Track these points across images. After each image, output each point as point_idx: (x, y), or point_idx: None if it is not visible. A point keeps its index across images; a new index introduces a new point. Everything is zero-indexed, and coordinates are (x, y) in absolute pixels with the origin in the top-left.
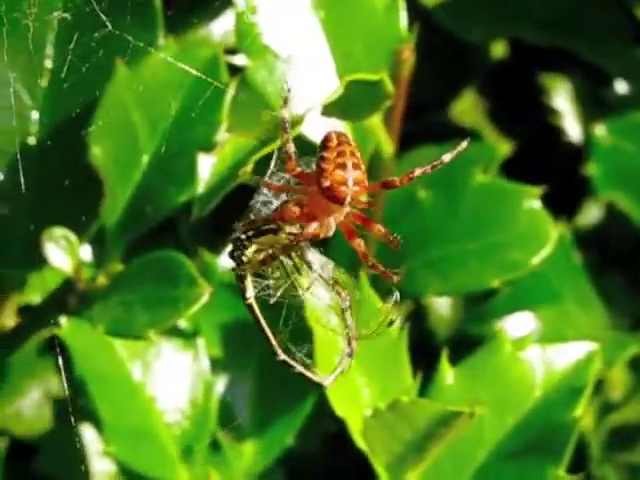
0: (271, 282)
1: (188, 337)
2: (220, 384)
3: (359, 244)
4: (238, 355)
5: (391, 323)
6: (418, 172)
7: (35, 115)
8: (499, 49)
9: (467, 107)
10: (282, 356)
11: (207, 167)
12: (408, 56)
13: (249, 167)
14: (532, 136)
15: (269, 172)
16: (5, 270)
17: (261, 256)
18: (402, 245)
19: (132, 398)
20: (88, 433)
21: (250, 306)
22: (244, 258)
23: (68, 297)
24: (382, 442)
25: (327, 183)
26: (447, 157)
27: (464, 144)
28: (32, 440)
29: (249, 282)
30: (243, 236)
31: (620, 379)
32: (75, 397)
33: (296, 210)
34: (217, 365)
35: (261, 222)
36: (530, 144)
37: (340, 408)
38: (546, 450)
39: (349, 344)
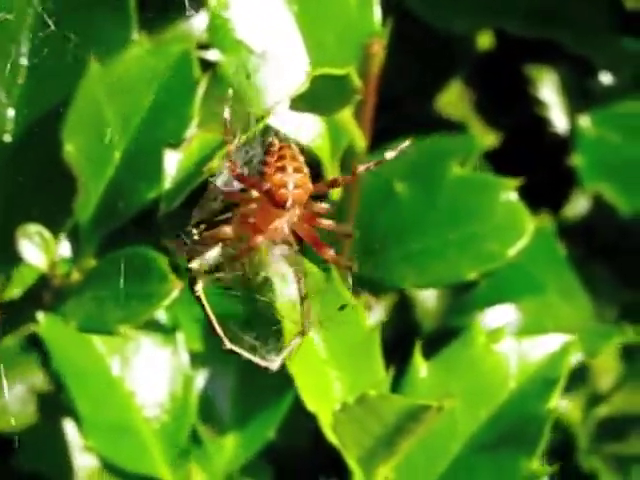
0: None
1: (167, 332)
2: (200, 378)
3: (314, 239)
4: (218, 349)
5: (343, 307)
6: (361, 169)
7: (11, 112)
8: (485, 40)
9: (453, 99)
10: (228, 345)
11: (174, 163)
12: (377, 50)
13: (215, 162)
14: (518, 127)
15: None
16: None
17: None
18: (380, 238)
19: (111, 393)
20: (70, 428)
21: (198, 298)
22: (197, 249)
23: (44, 293)
24: (352, 436)
25: (267, 186)
26: (389, 155)
27: (407, 143)
28: (11, 435)
29: (199, 274)
30: (194, 231)
31: (608, 369)
32: (59, 393)
33: (243, 220)
34: (197, 359)
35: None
36: (516, 135)
37: (311, 403)
38: (520, 442)
39: (302, 326)
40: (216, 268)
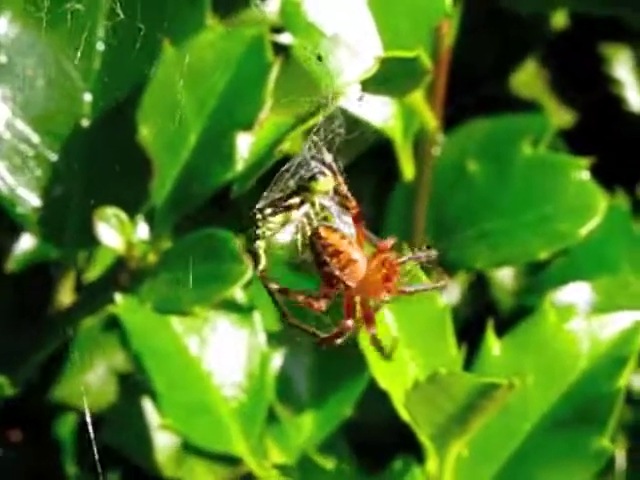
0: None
1: (245, 311)
2: (277, 357)
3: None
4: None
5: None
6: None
7: (88, 97)
8: (559, 19)
9: (528, 79)
10: (291, 319)
11: (246, 145)
12: (447, 31)
13: (286, 145)
14: (593, 106)
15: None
16: (61, 249)
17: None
18: (453, 218)
19: (189, 372)
20: (150, 407)
21: (263, 277)
22: (258, 233)
23: (120, 274)
24: (424, 414)
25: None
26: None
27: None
28: (99, 413)
29: (262, 254)
30: (259, 214)
31: None
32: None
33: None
34: (274, 339)
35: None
36: (592, 114)
37: (384, 381)
38: (591, 420)
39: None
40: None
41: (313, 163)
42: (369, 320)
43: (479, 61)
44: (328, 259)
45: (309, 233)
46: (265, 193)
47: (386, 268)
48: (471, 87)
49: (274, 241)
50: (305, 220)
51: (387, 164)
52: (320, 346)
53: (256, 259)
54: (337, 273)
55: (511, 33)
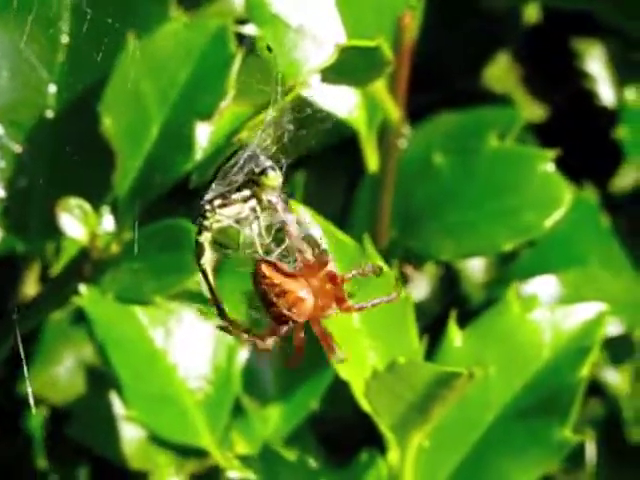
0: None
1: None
2: (243, 350)
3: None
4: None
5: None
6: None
7: (52, 89)
8: (532, 13)
9: (500, 73)
10: (223, 323)
11: (205, 135)
12: (409, 23)
13: (243, 134)
14: (565, 101)
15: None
16: (26, 241)
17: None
18: (418, 210)
19: (154, 364)
20: (117, 399)
21: (203, 272)
22: (206, 225)
23: (84, 266)
24: (384, 404)
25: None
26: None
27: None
28: (66, 407)
29: (207, 247)
30: (207, 206)
31: None
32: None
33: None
34: None
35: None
36: (563, 109)
37: (343, 371)
38: (553, 410)
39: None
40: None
41: (262, 158)
42: (330, 347)
43: (451, 55)
44: (275, 299)
45: (255, 230)
46: (213, 185)
47: (333, 288)
48: (443, 81)
49: (220, 234)
50: (251, 215)
51: (356, 157)
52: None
53: (200, 251)
54: (286, 313)
55: (484, 27)
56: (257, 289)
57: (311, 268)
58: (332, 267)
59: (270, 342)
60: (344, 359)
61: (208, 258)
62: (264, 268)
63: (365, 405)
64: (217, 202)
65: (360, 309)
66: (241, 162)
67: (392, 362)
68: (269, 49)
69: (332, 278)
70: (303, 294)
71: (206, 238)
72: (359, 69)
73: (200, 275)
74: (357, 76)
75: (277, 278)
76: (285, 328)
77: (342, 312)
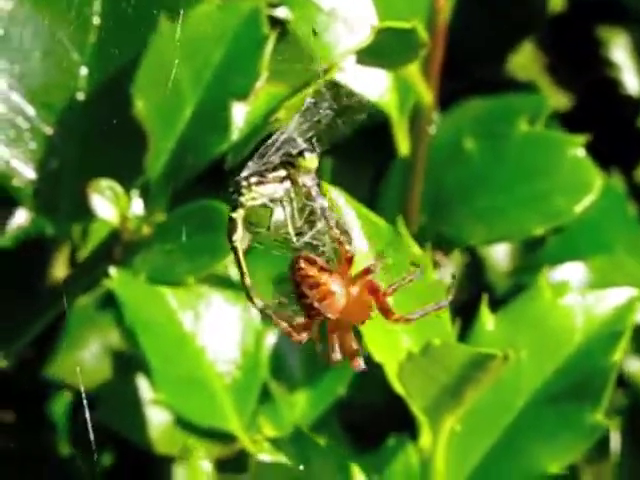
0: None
1: (239, 288)
2: (271, 335)
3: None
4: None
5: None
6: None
7: (84, 71)
8: (557, 1)
9: (525, 61)
10: (259, 304)
11: (241, 115)
12: (443, 5)
13: (281, 114)
14: (590, 89)
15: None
16: (56, 223)
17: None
18: (449, 194)
19: (183, 348)
20: (143, 384)
21: (234, 249)
22: (241, 201)
23: (115, 248)
24: (418, 386)
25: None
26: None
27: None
28: (92, 391)
29: (239, 224)
30: (244, 182)
31: None
32: (132, 349)
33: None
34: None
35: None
36: (588, 97)
37: (378, 354)
38: (585, 395)
39: None
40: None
41: (299, 140)
42: (352, 355)
43: (476, 43)
44: (307, 291)
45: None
46: (249, 164)
47: (371, 295)
48: (468, 69)
49: (254, 212)
50: (286, 197)
51: (385, 142)
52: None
53: (232, 227)
54: (317, 305)
55: (509, 15)
56: (292, 279)
57: (348, 262)
58: (373, 277)
59: (305, 336)
60: (364, 369)
61: (240, 235)
62: (301, 261)
63: (398, 388)
64: (253, 179)
65: (409, 320)
66: (278, 143)
67: (427, 344)
68: (314, 33)
69: (374, 291)
70: (335, 288)
71: (240, 215)
72: (394, 51)
73: (231, 253)
74: (392, 58)
75: (312, 270)
76: (317, 322)
77: (391, 323)
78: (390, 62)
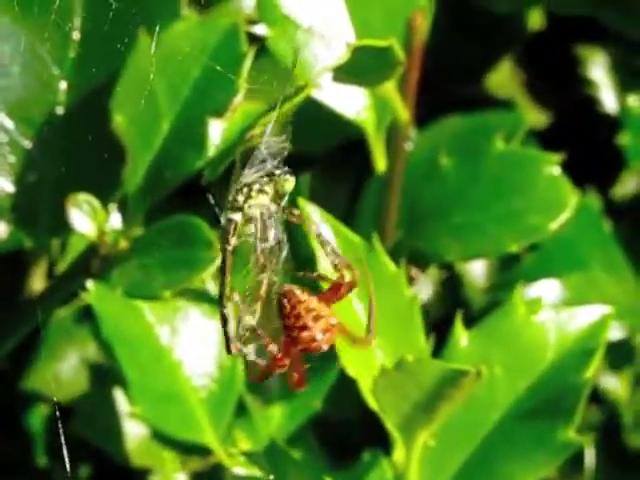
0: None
1: (216, 302)
2: None
3: None
4: None
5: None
6: None
7: (63, 85)
8: (535, 19)
9: (503, 78)
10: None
11: (218, 132)
12: (421, 23)
13: (257, 130)
14: (568, 107)
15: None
16: (34, 237)
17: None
18: (425, 210)
19: (159, 361)
20: (120, 397)
21: (225, 251)
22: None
23: (92, 261)
24: (392, 402)
25: (300, 347)
26: None
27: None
28: (69, 404)
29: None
30: (245, 189)
31: None
32: (110, 361)
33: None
34: None
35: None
36: (566, 115)
37: (352, 368)
38: (558, 411)
39: None
40: None
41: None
42: (300, 377)
43: (454, 61)
44: (310, 323)
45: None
46: (244, 171)
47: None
48: (446, 87)
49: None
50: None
51: (363, 158)
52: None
53: (230, 229)
54: (319, 338)
55: (487, 33)
56: (289, 312)
57: (337, 289)
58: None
59: (286, 363)
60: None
61: (234, 241)
62: (298, 292)
63: (372, 403)
64: (256, 187)
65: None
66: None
67: (400, 359)
68: (295, 51)
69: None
70: (333, 321)
71: (238, 219)
72: (370, 69)
73: (220, 257)
74: (368, 76)
75: (312, 303)
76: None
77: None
78: (367, 80)
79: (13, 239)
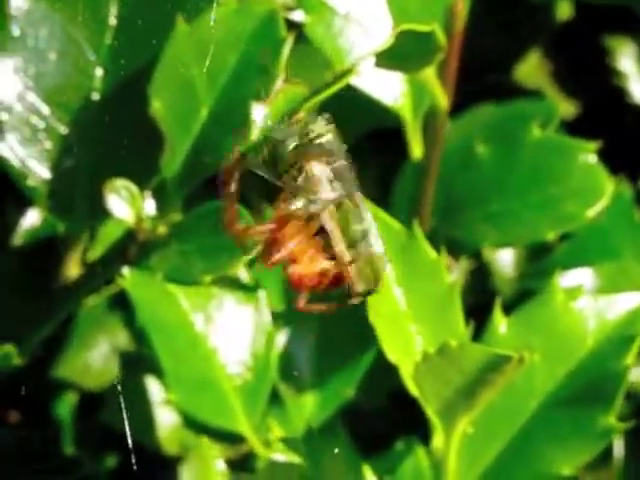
0: None
1: (250, 290)
2: (281, 337)
3: None
4: None
5: None
6: None
7: (99, 71)
8: (564, 9)
9: (532, 68)
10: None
11: (261, 116)
12: (461, 10)
13: (301, 115)
14: (596, 98)
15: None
16: (70, 223)
17: None
18: (460, 198)
19: (194, 349)
20: (152, 385)
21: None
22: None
23: (129, 247)
24: (432, 387)
25: None
26: None
27: None
28: (98, 392)
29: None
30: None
31: None
32: (141, 350)
33: None
34: (279, 318)
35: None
36: (594, 106)
37: (392, 354)
38: (597, 398)
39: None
40: None
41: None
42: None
43: (483, 50)
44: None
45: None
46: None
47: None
48: (473, 76)
49: None
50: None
51: (393, 145)
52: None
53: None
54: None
55: (516, 23)
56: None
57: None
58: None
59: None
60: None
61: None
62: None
63: (413, 389)
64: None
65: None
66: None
67: (443, 345)
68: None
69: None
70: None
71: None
72: (412, 54)
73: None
74: (409, 62)
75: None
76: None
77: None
78: (408, 65)
79: (48, 226)
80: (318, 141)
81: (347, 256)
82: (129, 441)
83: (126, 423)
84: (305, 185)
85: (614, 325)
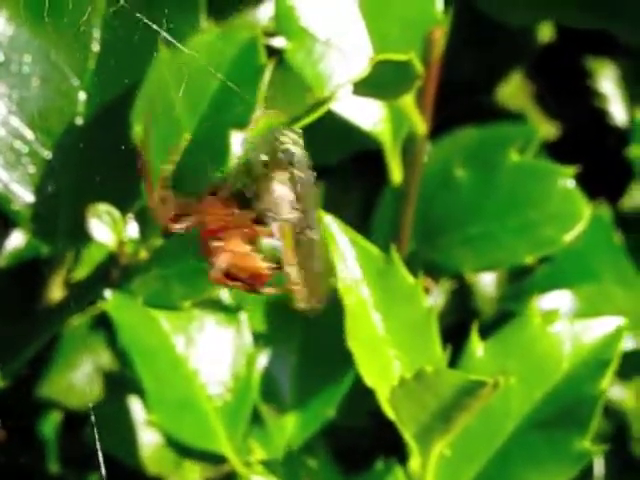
0: None
1: (231, 311)
2: (263, 358)
3: None
4: (281, 329)
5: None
6: None
7: (82, 96)
8: (546, 32)
9: (513, 90)
10: None
11: (239, 144)
12: (439, 37)
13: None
14: (577, 120)
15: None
16: (53, 245)
17: None
18: (439, 222)
19: (175, 370)
20: (135, 405)
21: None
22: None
23: (111, 271)
24: (409, 412)
25: None
26: None
27: None
28: (81, 412)
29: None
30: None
31: None
32: (124, 370)
33: None
34: (260, 339)
35: None
36: (576, 128)
37: (369, 378)
38: (572, 422)
39: None
40: None
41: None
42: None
43: (463, 72)
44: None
45: None
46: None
47: None
48: (454, 98)
49: None
50: None
51: (376, 167)
52: None
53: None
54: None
55: (498, 45)
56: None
57: None
58: None
59: None
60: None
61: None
62: None
63: (389, 413)
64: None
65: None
66: None
67: (419, 370)
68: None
69: None
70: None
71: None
72: (390, 82)
73: None
74: (387, 89)
75: None
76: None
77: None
78: (386, 93)
79: (30, 247)
80: (286, 151)
81: (294, 263)
82: (100, 460)
83: (97, 444)
84: (268, 204)
85: (590, 349)
